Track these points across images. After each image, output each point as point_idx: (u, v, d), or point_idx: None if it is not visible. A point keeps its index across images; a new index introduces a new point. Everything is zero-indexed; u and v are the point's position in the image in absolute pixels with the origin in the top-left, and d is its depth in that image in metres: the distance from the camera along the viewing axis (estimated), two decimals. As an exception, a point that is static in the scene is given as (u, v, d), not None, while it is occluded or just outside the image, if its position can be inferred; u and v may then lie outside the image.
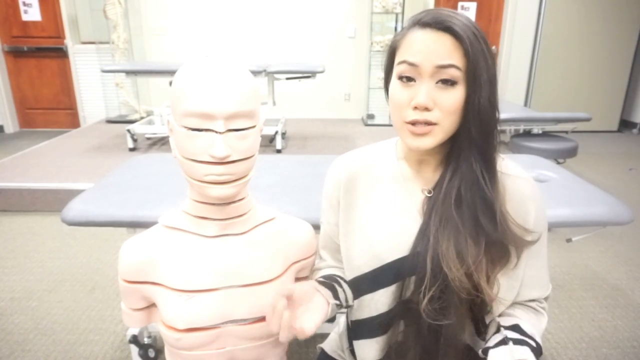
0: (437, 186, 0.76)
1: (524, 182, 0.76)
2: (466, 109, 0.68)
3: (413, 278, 0.75)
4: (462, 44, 0.66)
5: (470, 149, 0.71)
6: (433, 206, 0.75)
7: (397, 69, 0.70)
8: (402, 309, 0.78)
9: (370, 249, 0.79)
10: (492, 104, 0.69)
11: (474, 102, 0.67)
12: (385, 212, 0.79)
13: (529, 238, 0.73)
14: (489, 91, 0.68)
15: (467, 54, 0.66)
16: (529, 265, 0.75)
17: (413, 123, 0.69)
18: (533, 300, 0.79)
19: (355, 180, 0.83)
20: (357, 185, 0.83)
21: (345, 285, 0.82)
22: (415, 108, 0.68)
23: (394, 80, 0.72)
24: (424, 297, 0.71)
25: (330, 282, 0.80)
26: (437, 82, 0.67)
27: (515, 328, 0.72)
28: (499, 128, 0.72)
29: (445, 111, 0.67)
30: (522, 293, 0.76)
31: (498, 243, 0.70)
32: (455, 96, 0.67)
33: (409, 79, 0.69)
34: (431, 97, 0.67)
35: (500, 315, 0.76)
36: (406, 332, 0.78)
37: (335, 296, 0.77)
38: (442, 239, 0.71)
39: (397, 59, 0.71)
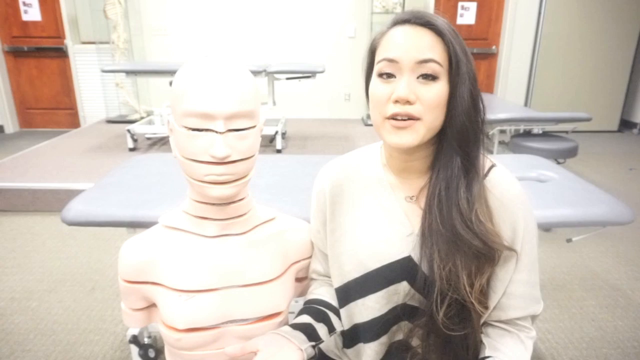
0: (423, 190, 0.75)
1: (515, 198, 0.73)
2: (450, 106, 0.68)
3: (404, 283, 0.75)
4: (443, 38, 0.66)
5: (451, 145, 0.70)
6: (423, 213, 0.74)
7: (377, 67, 0.70)
8: (403, 311, 0.77)
9: (356, 256, 0.79)
10: (474, 98, 0.68)
11: (458, 98, 0.67)
12: (370, 219, 0.79)
13: (516, 248, 0.71)
14: (471, 87, 0.67)
15: (449, 49, 0.66)
16: (521, 281, 0.73)
17: (394, 117, 0.67)
18: (520, 324, 0.76)
19: (341, 187, 0.83)
20: (342, 193, 0.83)
21: (331, 315, 0.83)
22: (396, 102, 0.67)
23: (374, 78, 0.71)
24: (438, 308, 0.71)
25: (306, 323, 0.79)
26: (418, 77, 0.66)
27: None
28: (484, 126, 0.71)
29: (428, 105, 0.66)
30: (513, 309, 0.74)
31: (480, 248, 0.69)
32: (437, 90, 0.66)
33: (389, 76, 0.68)
34: (412, 90, 0.66)
35: (490, 344, 0.75)
36: (412, 331, 0.78)
37: (313, 336, 0.77)
38: (436, 249, 0.70)
39: (377, 58, 0.70)
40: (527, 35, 4.81)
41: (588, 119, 3.27)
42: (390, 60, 0.67)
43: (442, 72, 0.66)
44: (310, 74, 3.67)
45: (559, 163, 2.98)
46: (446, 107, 0.68)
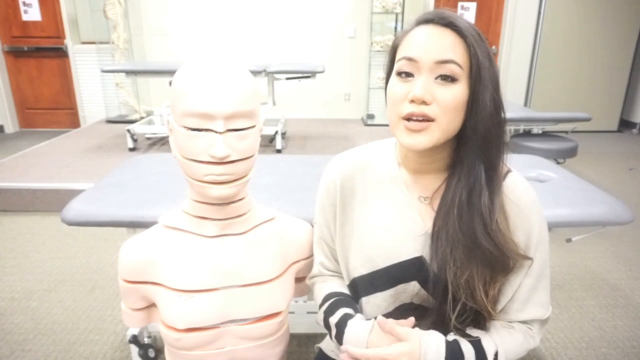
0: (441, 193, 0.74)
1: (531, 204, 0.73)
2: (472, 111, 0.66)
3: (414, 283, 0.75)
4: (465, 40, 0.64)
5: (474, 152, 0.68)
6: (437, 216, 0.73)
7: (397, 66, 0.69)
8: (409, 309, 0.77)
9: (365, 253, 0.78)
10: (497, 105, 0.67)
11: (480, 104, 0.65)
12: (382, 216, 0.78)
13: (529, 254, 0.72)
14: (493, 92, 0.66)
15: (470, 52, 0.64)
16: (527, 286, 0.73)
17: (409, 118, 0.66)
18: (521, 325, 0.76)
19: (353, 181, 0.81)
20: (354, 187, 0.81)
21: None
22: (412, 102, 0.65)
23: (392, 76, 0.70)
24: (451, 313, 0.71)
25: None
26: (436, 78, 0.65)
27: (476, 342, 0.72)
28: (505, 131, 0.70)
29: (444, 107, 0.65)
30: (515, 312, 0.74)
31: (497, 258, 0.69)
32: (455, 93, 0.65)
33: (408, 75, 0.67)
34: (429, 91, 0.64)
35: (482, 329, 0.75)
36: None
37: None
38: (452, 253, 0.70)
39: (397, 56, 0.69)
40: (527, 35, 4.81)
41: (588, 119, 3.27)
42: (410, 59, 0.66)
43: (462, 74, 0.65)
44: (310, 74, 3.67)
45: (558, 163, 2.98)
46: (466, 111, 0.67)
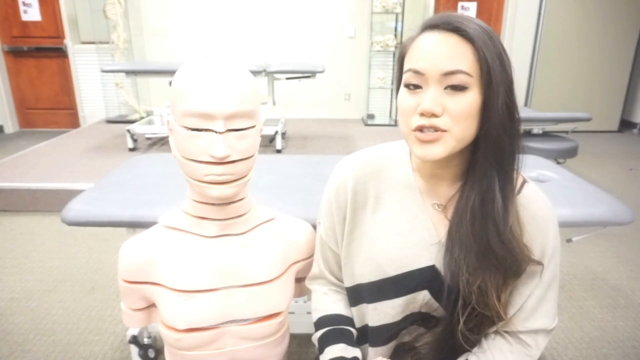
0: (455, 201, 0.72)
1: (548, 217, 0.72)
2: (484, 117, 0.63)
3: (424, 292, 0.74)
4: (473, 44, 0.61)
5: (487, 158, 0.66)
6: (451, 224, 0.71)
7: (404, 77, 0.66)
8: (416, 318, 0.77)
9: (374, 260, 0.76)
10: (510, 108, 0.64)
11: (492, 109, 0.62)
12: (394, 222, 0.76)
13: (543, 263, 0.71)
14: (506, 95, 0.63)
15: (479, 57, 0.61)
16: (536, 296, 0.73)
17: (420, 129, 0.64)
18: (521, 339, 0.75)
19: (365, 185, 0.78)
20: (366, 191, 0.79)
21: (354, 331, 0.83)
22: (422, 115, 0.63)
23: (401, 87, 0.68)
24: (459, 320, 0.71)
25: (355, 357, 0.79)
26: (445, 88, 0.62)
27: None
28: (520, 138, 0.67)
29: (455, 117, 0.62)
30: (521, 320, 0.73)
31: (510, 264, 0.69)
32: (467, 101, 0.62)
33: (416, 87, 0.64)
34: (439, 102, 0.62)
35: (481, 344, 0.75)
36: (423, 337, 0.78)
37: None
38: (465, 263, 0.69)
39: (405, 66, 0.67)
40: (527, 35, 4.81)
41: (588, 119, 3.27)
42: (416, 72, 0.63)
43: (472, 81, 0.62)
44: (310, 74, 3.67)
45: (559, 163, 2.98)
46: (479, 117, 0.64)
